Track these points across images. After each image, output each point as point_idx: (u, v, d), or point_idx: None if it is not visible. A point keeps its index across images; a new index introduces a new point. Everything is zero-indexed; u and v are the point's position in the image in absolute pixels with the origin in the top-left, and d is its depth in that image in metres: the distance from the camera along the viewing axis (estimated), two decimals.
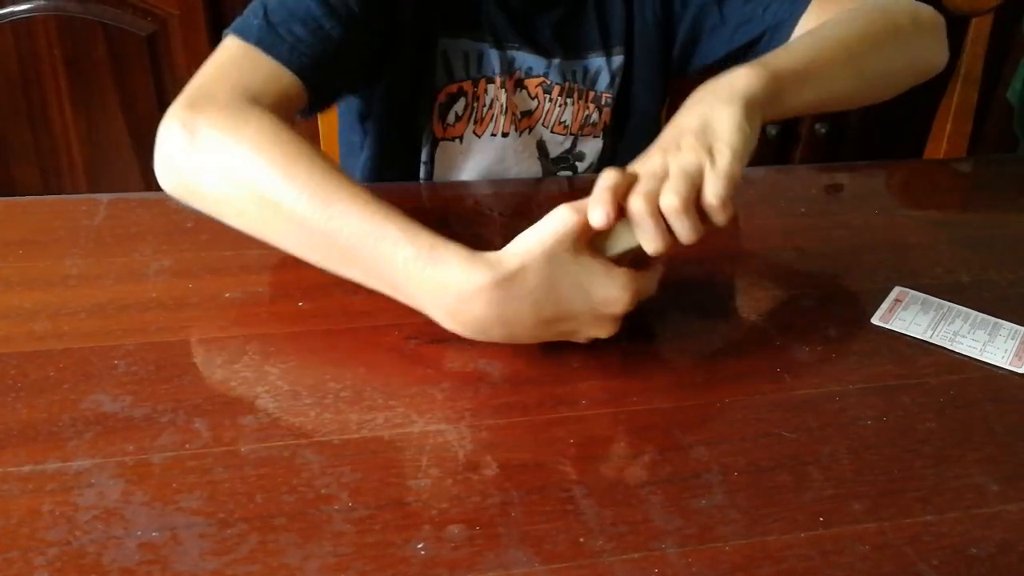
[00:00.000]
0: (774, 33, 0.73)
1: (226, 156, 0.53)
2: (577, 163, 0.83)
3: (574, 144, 0.82)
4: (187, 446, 0.45)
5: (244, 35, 0.60)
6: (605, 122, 0.82)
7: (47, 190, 1.45)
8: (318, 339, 0.54)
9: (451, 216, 0.70)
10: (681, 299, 0.60)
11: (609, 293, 0.49)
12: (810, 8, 0.71)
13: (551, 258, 0.48)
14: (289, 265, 0.60)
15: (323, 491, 0.43)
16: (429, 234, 0.50)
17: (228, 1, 1.38)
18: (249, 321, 0.55)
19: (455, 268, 0.48)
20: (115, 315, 0.55)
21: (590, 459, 0.46)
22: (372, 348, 0.53)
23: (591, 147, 0.83)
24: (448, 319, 0.51)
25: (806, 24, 0.70)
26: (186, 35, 1.38)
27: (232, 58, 0.60)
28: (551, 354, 0.53)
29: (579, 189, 0.76)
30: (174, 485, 0.43)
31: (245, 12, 0.63)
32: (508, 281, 0.48)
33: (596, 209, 0.48)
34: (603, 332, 0.51)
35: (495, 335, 0.50)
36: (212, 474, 0.43)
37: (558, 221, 0.48)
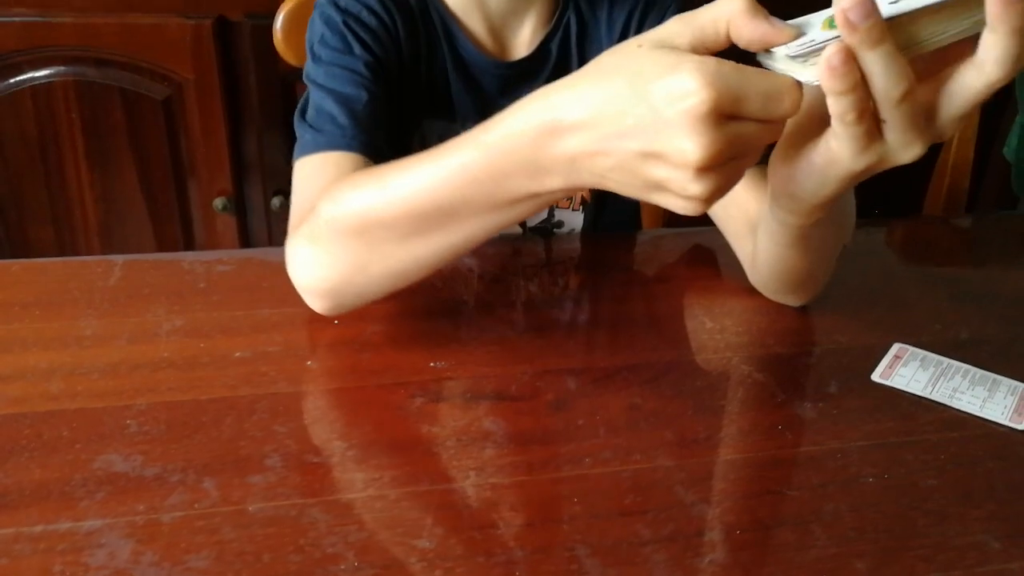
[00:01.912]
0: None
1: (346, 219, 0.53)
2: (557, 231, 0.84)
3: (551, 214, 0.82)
4: (196, 505, 0.46)
5: (305, 152, 0.65)
6: (584, 197, 0.81)
7: (61, 250, 1.48)
8: (326, 398, 0.55)
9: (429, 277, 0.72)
10: (682, 356, 0.61)
11: (673, 76, 0.37)
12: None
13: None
14: (298, 324, 0.62)
15: (329, 550, 0.43)
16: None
17: (242, 65, 1.42)
18: (258, 380, 0.56)
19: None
20: (127, 375, 0.56)
21: (594, 517, 0.47)
22: (379, 406, 0.54)
23: (570, 218, 0.82)
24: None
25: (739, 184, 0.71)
26: (201, 99, 1.42)
27: (308, 175, 0.64)
28: (556, 412, 0.54)
29: (560, 250, 0.78)
30: (183, 545, 0.43)
31: (298, 140, 0.68)
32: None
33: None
34: (687, 155, 0.38)
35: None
36: (220, 533, 0.44)
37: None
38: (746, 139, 0.38)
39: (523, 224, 0.82)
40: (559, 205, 0.82)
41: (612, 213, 0.85)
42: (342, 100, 0.67)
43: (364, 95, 0.68)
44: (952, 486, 0.50)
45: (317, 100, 0.69)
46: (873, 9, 0.35)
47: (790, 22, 0.40)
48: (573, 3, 0.79)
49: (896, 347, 0.62)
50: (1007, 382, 0.59)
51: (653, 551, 0.44)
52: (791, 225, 0.54)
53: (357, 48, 0.72)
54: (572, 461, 0.51)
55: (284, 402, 0.54)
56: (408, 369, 0.58)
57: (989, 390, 0.58)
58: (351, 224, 0.54)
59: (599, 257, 0.77)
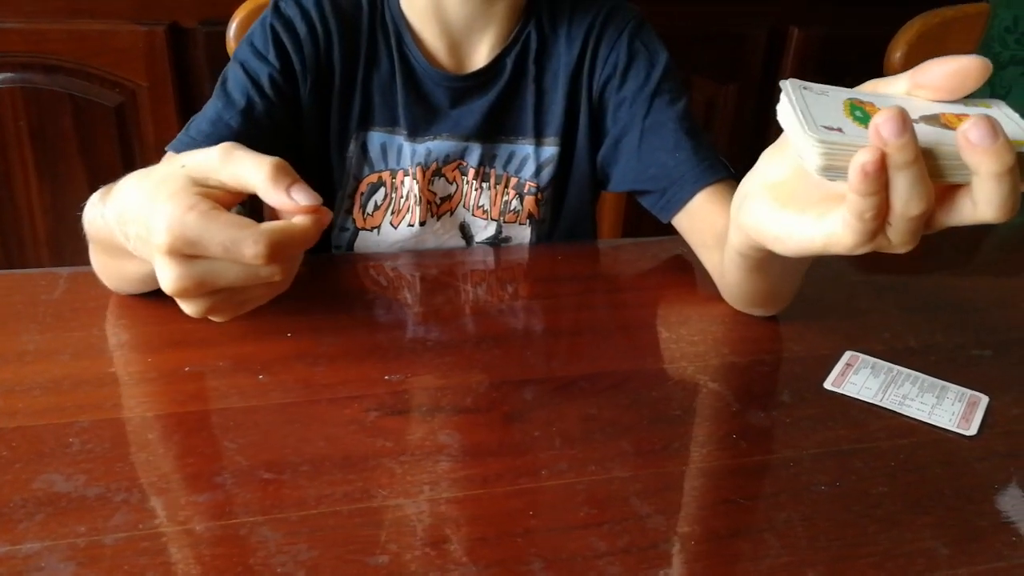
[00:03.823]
0: (677, 190, 0.73)
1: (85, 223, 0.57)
2: (504, 244, 0.83)
3: (499, 229, 0.81)
4: (140, 526, 0.44)
5: (169, 146, 0.70)
6: (531, 212, 0.81)
7: (8, 263, 1.44)
8: (278, 413, 0.54)
9: (368, 281, 0.71)
10: (639, 366, 0.61)
11: (151, 213, 0.40)
12: (715, 187, 0.72)
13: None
14: (251, 338, 0.61)
15: (279, 570, 0.42)
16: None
17: (197, 72, 1.40)
18: (208, 395, 0.55)
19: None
20: (71, 391, 0.54)
21: (549, 531, 0.46)
22: (332, 421, 0.54)
23: (518, 233, 0.82)
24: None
25: (707, 197, 0.72)
26: (155, 106, 1.39)
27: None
28: (512, 423, 0.54)
29: (517, 260, 0.78)
30: (126, 568, 0.42)
31: None
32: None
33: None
34: (158, 270, 0.41)
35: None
36: (165, 555, 0.43)
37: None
38: (219, 274, 0.40)
39: (469, 239, 0.82)
40: (507, 220, 0.81)
41: (567, 226, 0.84)
42: (222, 105, 0.71)
43: (239, 121, 0.70)
44: (902, 493, 0.51)
45: (214, 97, 0.73)
46: (904, 128, 0.36)
47: (811, 85, 0.41)
48: (535, 19, 0.79)
49: (848, 355, 0.63)
50: (955, 389, 0.60)
51: (608, 563, 0.44)
52: (751, 257, 0.54)
53: (272, 55, 0.73)
54: (528, 473, 0.50)
55: (235, 417, 0.53)
56: (362, 382, 0.57)
57: (937, 397, 0.59)
58: (86, 230, 0.57)
59: (556, 267, 0.77)
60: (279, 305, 0.65)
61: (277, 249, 0.39)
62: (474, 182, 0.79)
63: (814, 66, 1.62)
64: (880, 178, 0.37)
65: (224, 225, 0.39)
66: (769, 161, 0.47)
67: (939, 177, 0.38)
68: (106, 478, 0.47)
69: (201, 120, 0.71)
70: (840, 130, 0.38)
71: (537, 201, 0.81)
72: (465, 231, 0.82)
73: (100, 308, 0.63)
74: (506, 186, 0.80)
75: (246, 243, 0.39)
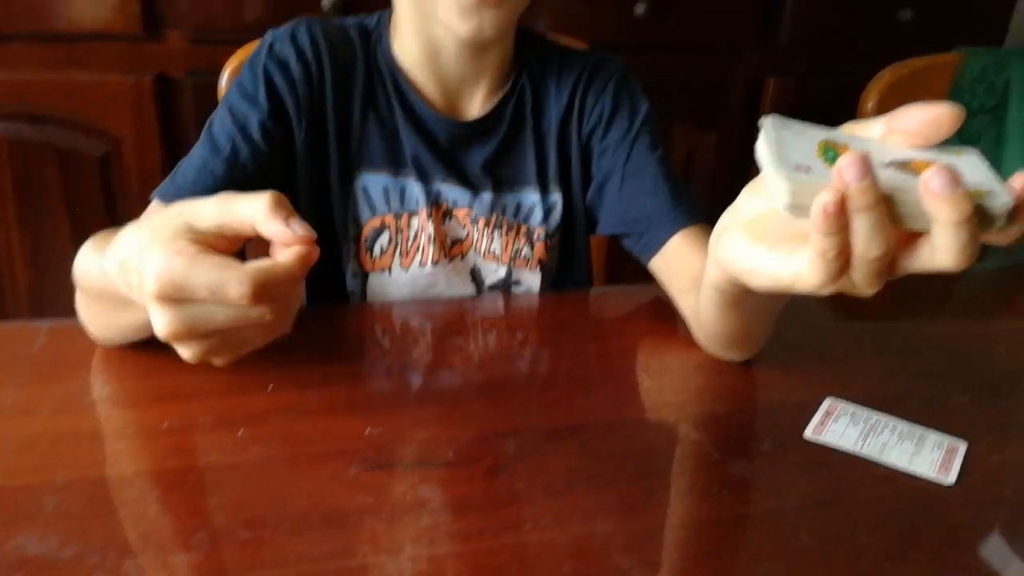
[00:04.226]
0: (655, 232, 0.75)
1: (75, 274, 0.58)
2: (514, 288, 0.84)
3: (509, 273, 0.82)
4: None
5: (154, 194, 0.71)
6: (540, 258, 0.82)
7: None
8: (258, 468, 0.54)
9: (351, 333, 0.71)
10: (621, 416, 0.62)
11: (141, 261, 0.41)
12: (690, 229, 0.74)
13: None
14: (232, 392, 0.61)
15: None
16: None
17: (184, 122, 1.41)
18: (187, 451, 0.55)
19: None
20: (47, 449, 0.54)
21: None
22: (313, 476, 0.53)
23: (527, 277, 0.83)
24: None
25: (683, 240, 0.74)
26: (140, 156, 1.40)
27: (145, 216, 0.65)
28: (495, 476, 0.54)
29: (498, 309, 0.78)
30: None
31: None
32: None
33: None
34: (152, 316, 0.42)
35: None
36: None
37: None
38: (209, 317, 0.41)
39: (480, 283, 0.83)
40: (517, 265, 0.83)
41: (570, 273, 0.86)
42: (207, 152, 0.71)
43: (223, 169, 0.70)
44: (885, 543, 0.51)
45: (199, 143, 0.73)
46: (866, 173, 0.37)
47: (791, 123, 0.42)
48: (527, 72, 0.81)
49: (827, 402, 0.64)
50: (933, 436, 0.61)
51: None
52: (726, 292, 0.55)
53: (262, 97, 0.73)
54: (510, 528, 0.50)
55: (214, 474, 0.53)
56: (343, 436, 0.57)
57: (916, 444, 0.60)
58: (78, 281, 0.58)
59: (539, 316, 0.78)
60: (260, 358, 0.65)
61: (262, 289, 0.40)
62: (485, 229, 0.81)
63: (789, 114, 1.65)
64: (841, 219, 0.38)
65: (209, 268, 0.40)
66: (748, 198, 0.48)
67: (901, 223, 0.39)
68: (81, 539, 0.47)
69: (187, 168, 0.72)
70: (809, 169, 0.39)
71: (546, 247, 0.83)
72: (476, 276, 0.82)
73: (81, 362, 0.63)
74: (517, 233, 0.82)
75: (231, 284, 0.39)
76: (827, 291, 0.42)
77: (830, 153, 0.41)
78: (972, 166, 0.41)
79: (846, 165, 0.37)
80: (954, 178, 0.37)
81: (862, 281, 0.41)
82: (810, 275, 0.41)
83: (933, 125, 0.41)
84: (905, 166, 0.40)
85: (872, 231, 0.38)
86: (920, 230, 0.39)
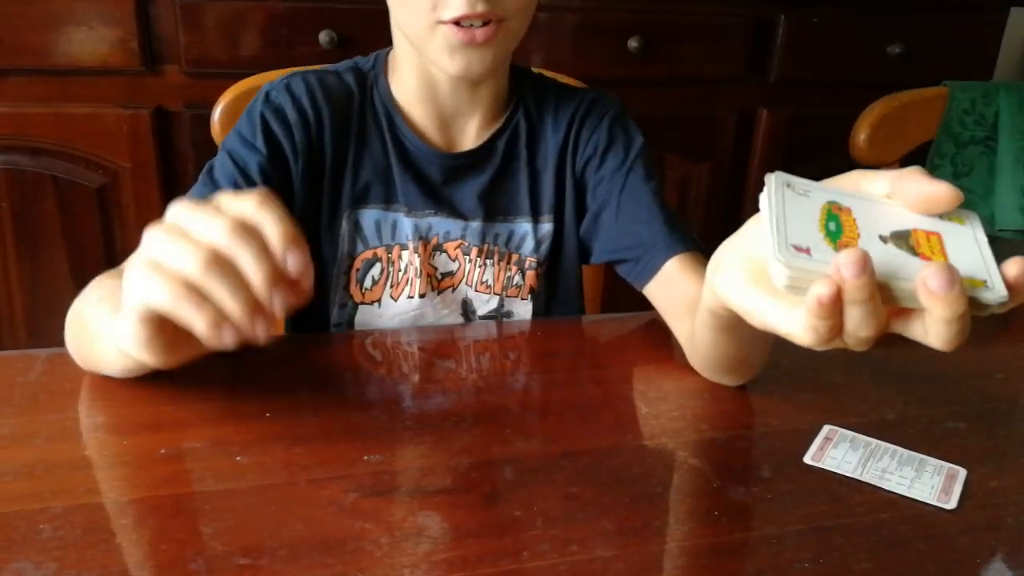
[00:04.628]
0: (650, 257, 0.76)
1: (74, 311, 0.64)
2: (505, 319, 0.84)
3: (501, 303, 0.83)
4: None
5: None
6: (531, 286, 0.83)
7: None
8: (255, 495, 0.53)
9: (349, 359, 0.71)
10: (619, 442, 0.61)
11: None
12: (685, 255, 0.75)
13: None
14: (229, 418, 0.60)
15: None
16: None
17: (181, 154, 1.42)
18: (184, 478, 0.54)
19: None
20: (43, 476, 0.53)
21: None
22: (311, 503, 0.53)
23: (519, 307, 0.84)
24: None
25: (678, 266, 0.74)
26: (137, 187, 1.41)
27: None
28: (494, 504, 0.53)
29: (495, 336, 0.78)
30: None
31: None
32: None
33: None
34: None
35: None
36: None
37: None
38: (183, 256, 0.44)
39: (471, 315, 0.83)
40: (509, 295, 0.83)
41: (562, 299, 0.86)
42: (208, 191, 0.73)
43: (231, 190, 0.71)
44: (885, 569, 0.50)
45: (199, 183, 0.74)
46: (863, 270, 0.38)
47: (796, 181, 0.43)
48: (523, 105, 0.83)
49: (826, 429, 0.64)
50: (933, 462, 0.61)
51: None
52: (722, 317, 0.55)
53: (260, 142, 0.75)
54: (509, 555, 0.50)
55: (211, 501, 0.52)
56: (341, 463, 0.56)
57: (916, 470, 0.60)
58: (72, 319, 0.62)
59: (536, 343, 0.78)
60: (258, 385, 0.65)
61: (244, 225, 0.44)
62: (477, 259, 0.81)
63: (781, 146, 1.68)
64: (835, 307, 0.39)
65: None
66: (751, 233, 0.48)
67: (896, 303, 0.40)
68: (77, 566, 0.46)
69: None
70: (808, 251, 0.40)
71: (537, 276, 0.83)
72: (467, 307, 0.83)
73: (77, 390, 0.63)
74: (508, 262, 0.82)
75: (220, 206, 0.46)
76: (821, 349, 0.43)
77: (831, 225, 0.41)
78: (970, 243, 0.42)
79: (844, 263, 0.38)
80: (951, 278, 0.38)
81: (854, 345, 0.42)
82: (803, 337, 0.42)
83: (932, 202, 0.43)
84: (905, 239, 0.41)
85: (864, 319, 0.40)
86: (914, 307, 0.40)
